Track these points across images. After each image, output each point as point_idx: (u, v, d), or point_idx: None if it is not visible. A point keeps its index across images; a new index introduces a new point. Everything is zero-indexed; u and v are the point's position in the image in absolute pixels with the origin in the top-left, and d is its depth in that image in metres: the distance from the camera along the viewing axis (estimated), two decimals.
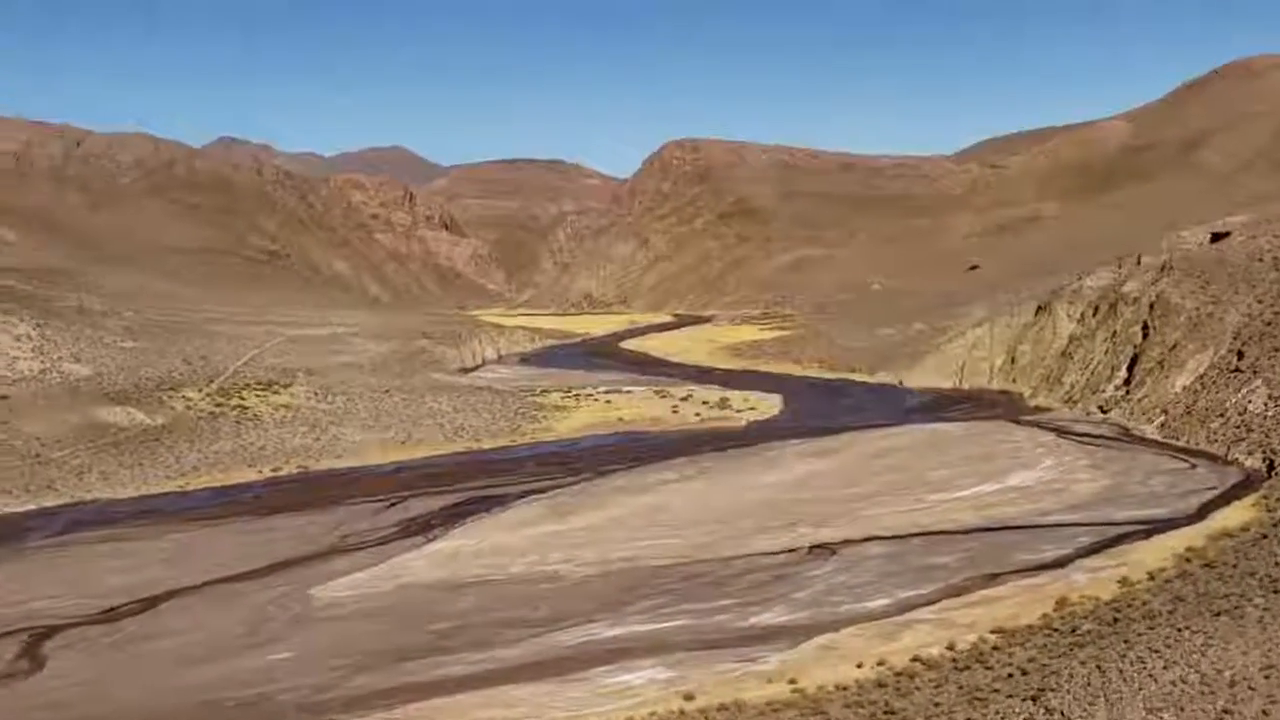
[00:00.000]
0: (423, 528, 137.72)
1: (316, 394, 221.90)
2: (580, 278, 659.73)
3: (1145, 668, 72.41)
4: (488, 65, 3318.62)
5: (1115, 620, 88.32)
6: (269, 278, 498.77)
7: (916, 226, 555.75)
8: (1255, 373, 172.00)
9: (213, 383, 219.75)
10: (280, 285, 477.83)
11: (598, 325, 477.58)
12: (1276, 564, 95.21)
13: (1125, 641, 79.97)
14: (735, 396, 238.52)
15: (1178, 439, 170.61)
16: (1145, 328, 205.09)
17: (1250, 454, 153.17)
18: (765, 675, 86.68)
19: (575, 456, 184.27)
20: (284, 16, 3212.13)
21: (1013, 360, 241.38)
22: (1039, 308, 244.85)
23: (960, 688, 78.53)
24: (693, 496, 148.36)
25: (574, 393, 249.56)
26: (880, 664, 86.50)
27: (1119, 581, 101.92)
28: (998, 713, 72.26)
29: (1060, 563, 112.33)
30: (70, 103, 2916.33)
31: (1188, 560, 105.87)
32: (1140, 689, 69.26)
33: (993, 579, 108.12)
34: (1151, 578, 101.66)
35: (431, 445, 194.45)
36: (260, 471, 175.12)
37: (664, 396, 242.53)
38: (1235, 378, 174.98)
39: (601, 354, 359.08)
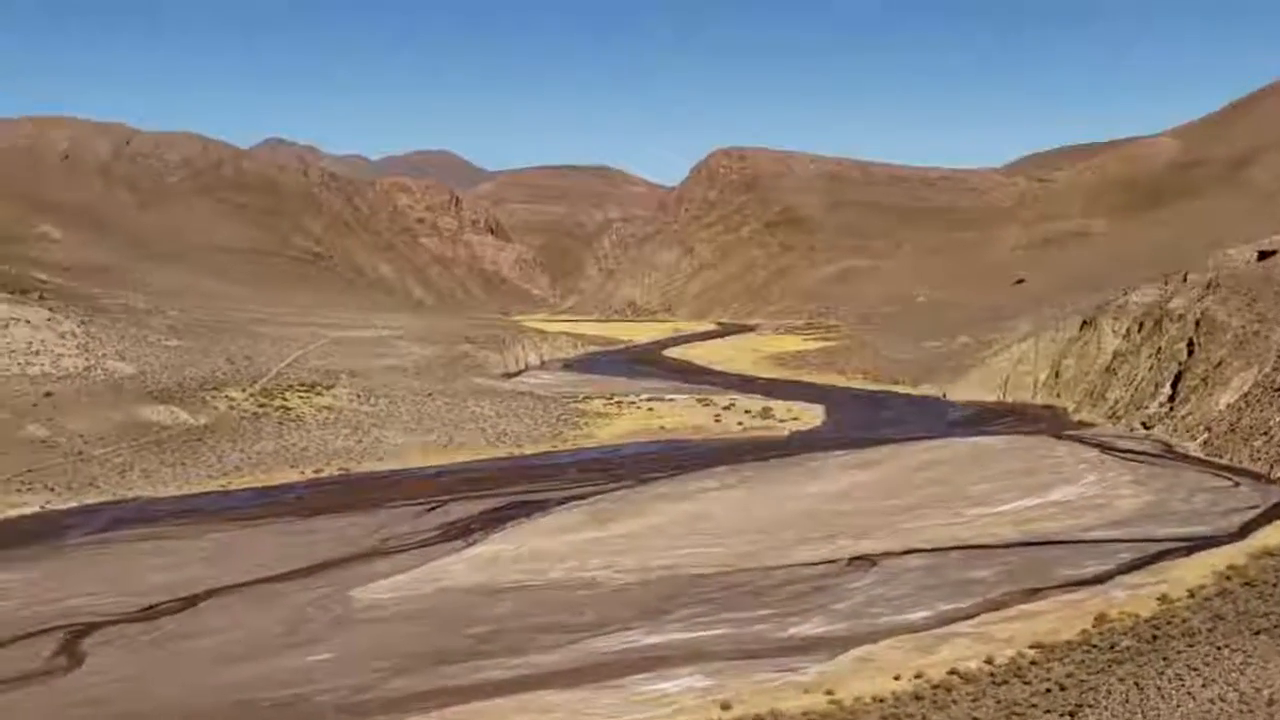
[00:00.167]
0: (463, 532, 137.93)
1: (359, 396, 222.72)
2: (624, 285, 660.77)
3: (1184, 685, 72.18)
4: (536, 71, 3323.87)
5: (1154, 637, 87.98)
6: (313, 279, 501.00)
7: (963, 239, 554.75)
8: None
9: (256, 383, 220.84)
10: (325, 287, 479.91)
11: (641, 332, 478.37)
12: None
13: (1164, 659, 79.71)
14: (778, 406, 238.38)
15: (1221, 457, 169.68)
16: (1190, 345, 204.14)
17: None
18: (802, 686, 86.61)
19: (616, 463, 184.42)
20: (333, 20, 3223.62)
21: (1057, 375, 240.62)
22: (1084, 323, 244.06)
23: (998, 702, 78.37)
24: (734, 505, 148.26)
25: (616, 400, 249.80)
26: (918, 677, 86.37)
27: (1159, 598, 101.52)
28: None
29: (1100, 579, 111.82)
30: (120, 102, 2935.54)
31: (1228, 578, 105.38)
32: (1178, 707, 69.07)
33: (1032, 594, 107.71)
34: (1191, 595, 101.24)
35: (473, 449, 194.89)
36: (302, 472, 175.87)
37: (707, 405, 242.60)
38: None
39: (644, 361, 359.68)
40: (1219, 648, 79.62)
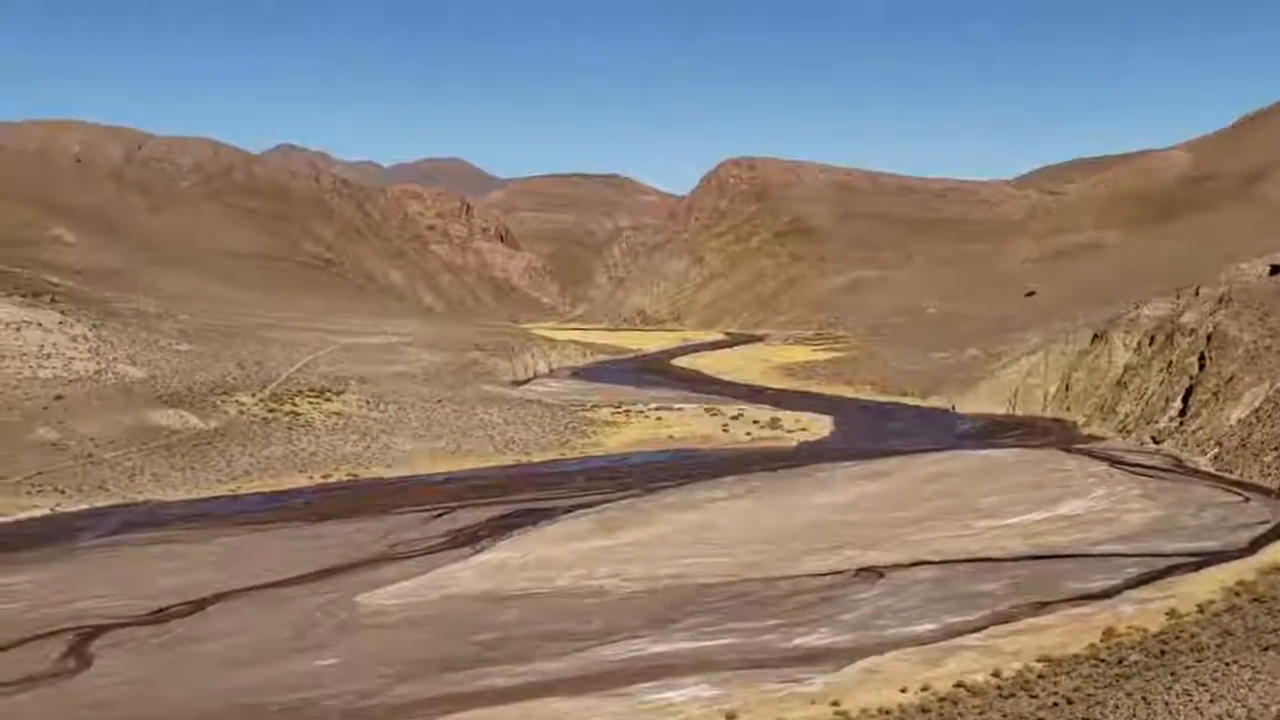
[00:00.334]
0: (470, 539, 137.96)
1: (368, 402, 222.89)
2: (634, 293, 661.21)
3: (1191, 701, 72.03)
4: (546, 79, 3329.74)
5: (1162, 652, 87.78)
6: (324, 285, 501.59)
7: (974, 251, 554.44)
8: None
9: (266, 388, 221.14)
10: (335, 293, 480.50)
11: (650, 341, 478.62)
12: None
13: (1172, 674, 79.54)
14: (786, 416, 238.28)
15: (1231, 472, 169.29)
16: (1202, 359, 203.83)
17: None
18: (809, 697, 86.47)
19: (624, 472, 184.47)
20: (346, 28, 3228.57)
21: (1067, 388, 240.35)
22: (1095, 336, 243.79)
23: (1004, 715, 78.21)
24: (741, 515, 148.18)
25: (624, 408, 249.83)
26: (924, 689, 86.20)
27: (1167, 613, 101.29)
28: None
29: (1108, 593, 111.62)
30: (132, 107, 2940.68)
31: (1237, 594, 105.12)
32: None
33: (1040, 607, 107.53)
34: (1200, 611, 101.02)
35: (481, 457, 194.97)
36: (311, 478, 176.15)
37: (715, 414, 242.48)
38: None
39: (653, 370, 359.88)
40: (1227, 663, 79.47)
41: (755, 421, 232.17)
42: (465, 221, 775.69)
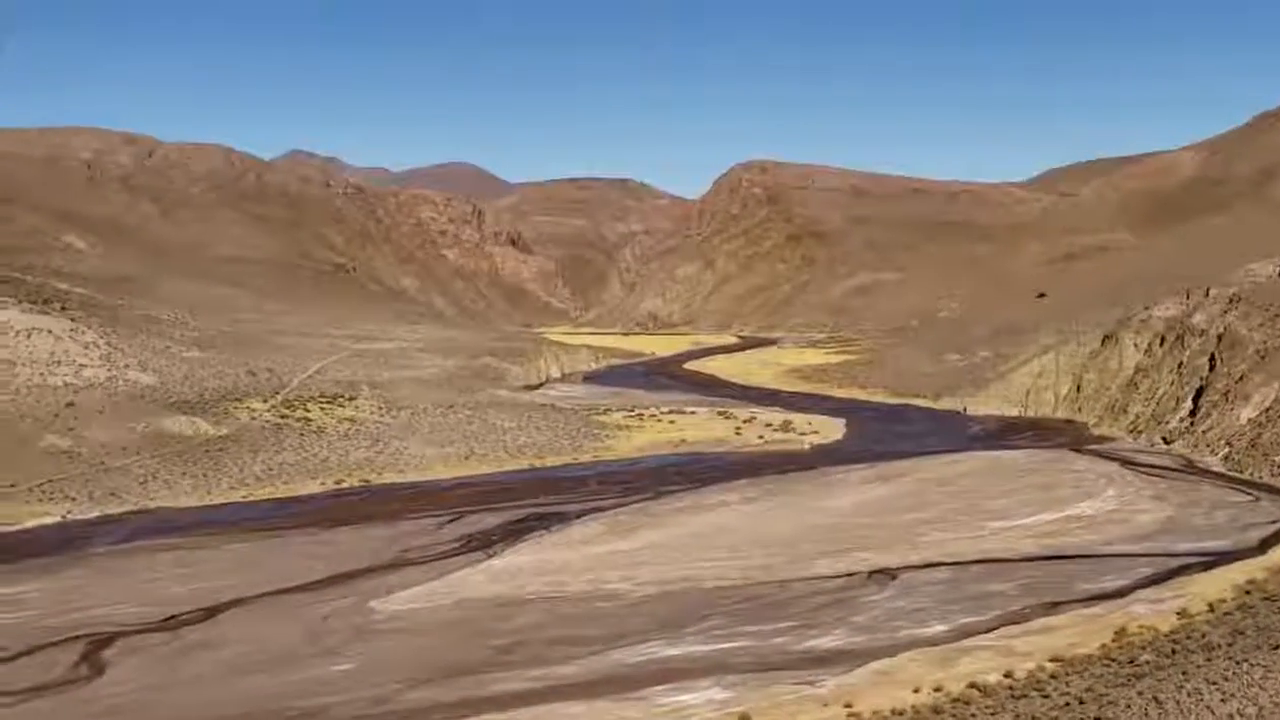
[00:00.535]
0: (483, 544, 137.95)
1: (380, 408, 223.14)
2: (646, 297, 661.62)
3: (1202, 700, 72.14)
4: (557, 84, 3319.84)
5: (1174, 652, 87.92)
6: (335, 291, 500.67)
7: (985, 253, 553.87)
8: None
9: (278, 394, 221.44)
10: (346, 299, 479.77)
11: (662, 345, 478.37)
12: None
13: (1183, 673, 79.66)
14: (799, 420, 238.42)
15: (1241, 472, 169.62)
16: (1212, 359, 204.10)
17: None
18: (821, 699, 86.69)
19: (637, 476, 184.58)
20: (356, 33, 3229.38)
21: (1078, 389, 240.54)
22: (1105, 337, 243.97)
23: (1016, 716, 78.38)
24: (754, 518, 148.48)
25: (637, 412, 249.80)
26: (937, 690, 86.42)
27: (1178, 613, 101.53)
28: None
29: (1120, 593, 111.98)
30: (143, 114, 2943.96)
31: (1248, 593, 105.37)
32: None
33: (1052, 608, 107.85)
34: (1211, 610, 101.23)
35: (494, 461, 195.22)
36: (323, 484, 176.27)
37: (727, 418, 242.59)
38: None
39: (665, 374, 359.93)
40: (1238, 662, 79.57)
41: (768, 424, 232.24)
42: (477, 226, 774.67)
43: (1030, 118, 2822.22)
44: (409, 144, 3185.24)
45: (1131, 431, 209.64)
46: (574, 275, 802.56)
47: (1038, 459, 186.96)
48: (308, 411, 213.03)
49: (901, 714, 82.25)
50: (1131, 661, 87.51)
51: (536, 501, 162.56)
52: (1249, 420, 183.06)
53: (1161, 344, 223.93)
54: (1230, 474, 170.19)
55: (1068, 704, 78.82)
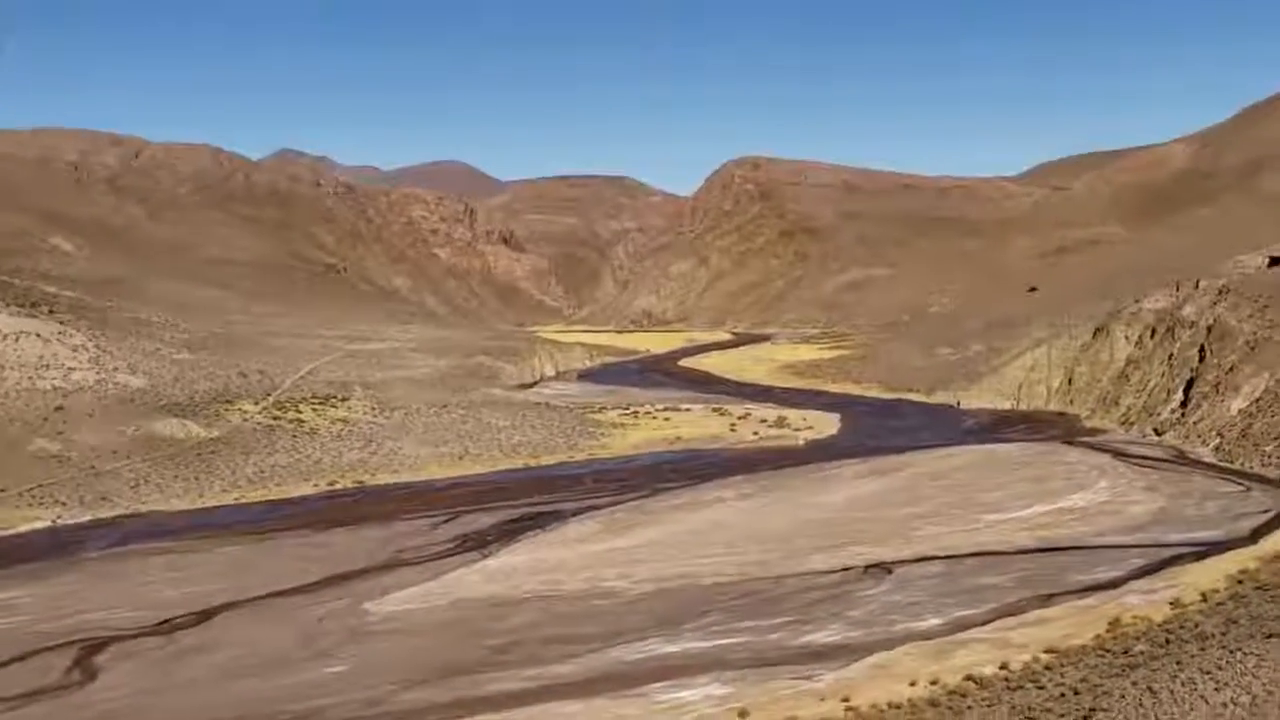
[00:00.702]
0: (478, 543, 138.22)
1: (373, 408, 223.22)
2: (640, 295, 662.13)
3: (1196, 689, 72.50)
4: (549, 81, 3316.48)
5: (1167, 641, 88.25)
6: (327, 291, 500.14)
7: (976, 247, 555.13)
8: None
9: (269, 396, 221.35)
10: (338, 299, 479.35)
11: (656, 343, 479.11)
12: None
13: (1177, 663, 79.98)
14: (793, 415, 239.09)
15: (1232, 462, 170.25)
16: (1202, 351, 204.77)
17: None
18: (819, 693, 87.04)
19: (632, 473, 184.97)
20: (345, 31, 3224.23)
21: (1070, 382, 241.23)
22: (1097, 330, 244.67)
23: (1012, 707, 78.72)
24: (750, 514, 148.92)
25: (632, 410, 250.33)
26: (933, 683, 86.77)
27: (1171, 603, 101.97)
28: None
29: (1113, 584, 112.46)
30: (129, 114, 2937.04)
31: (1240, 582, 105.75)
32: (1191, 710, 69.44)
33: (1046, 599, 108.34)
34: (1204, 600, 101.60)
35: (488, 461, 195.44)
36: (316, 485, 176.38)
37: (722, 414, 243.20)
38: None
39: (660, 371, 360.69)
40: (1232, 651, 79.89)
41: (762, 420, 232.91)
42: (469, 225, 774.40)
43: (1021, 112, 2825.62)
44: (399, 142, 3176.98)
45: (1123, 423, 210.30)
46: (567, 273, 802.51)
47: (1030, 452, 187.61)
48: (300, 413, 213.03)
49: (898, 707, 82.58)
50: (1126, 652, 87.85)
51: (532, 500, 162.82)
52: (1239, 411, 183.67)
53: (1152, 336, 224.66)
54: (1221, 464, 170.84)
55: (1063, 695, 79.17)
